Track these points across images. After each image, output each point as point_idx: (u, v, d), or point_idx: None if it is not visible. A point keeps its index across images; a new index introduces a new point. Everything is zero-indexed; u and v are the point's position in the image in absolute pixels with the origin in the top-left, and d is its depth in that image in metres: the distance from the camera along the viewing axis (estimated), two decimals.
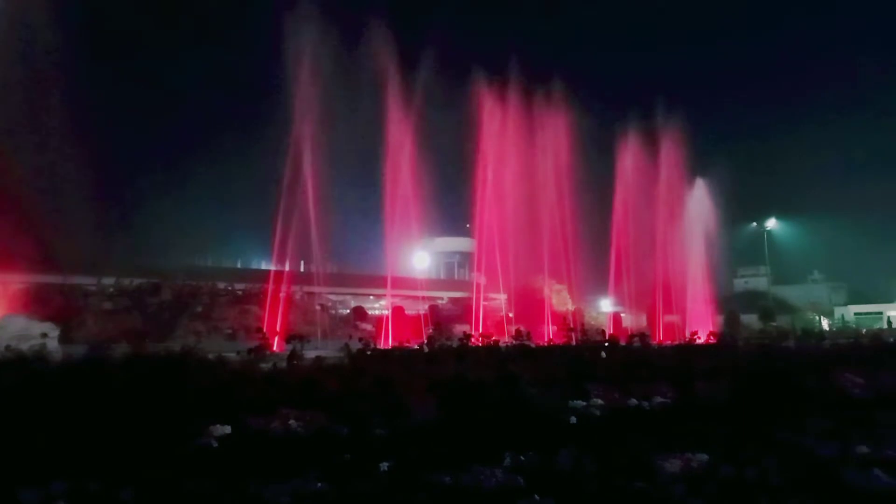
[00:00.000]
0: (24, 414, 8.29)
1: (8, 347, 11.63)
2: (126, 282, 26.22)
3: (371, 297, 38.22)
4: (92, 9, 33.17)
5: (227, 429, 8.44)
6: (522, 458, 7.11)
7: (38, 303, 20.17)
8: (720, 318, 41.30)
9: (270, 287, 27.62)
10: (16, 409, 8.43)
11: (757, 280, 68.67)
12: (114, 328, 19.18)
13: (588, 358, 17.40)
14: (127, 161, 44.57)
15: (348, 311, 36.85)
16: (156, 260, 24.71)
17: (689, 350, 21.58)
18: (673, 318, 41.40)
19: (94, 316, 23.89)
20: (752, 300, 57.62)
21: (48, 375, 10.25)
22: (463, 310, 28.23)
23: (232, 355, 13.72)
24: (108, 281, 25.88)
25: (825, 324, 55.89)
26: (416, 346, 19.95)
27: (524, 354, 17.78)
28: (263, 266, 36.01)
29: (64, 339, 15.10)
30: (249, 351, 15.05)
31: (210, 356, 12.71)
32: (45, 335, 12.55)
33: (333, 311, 33.32)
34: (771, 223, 66.54)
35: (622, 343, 22.07)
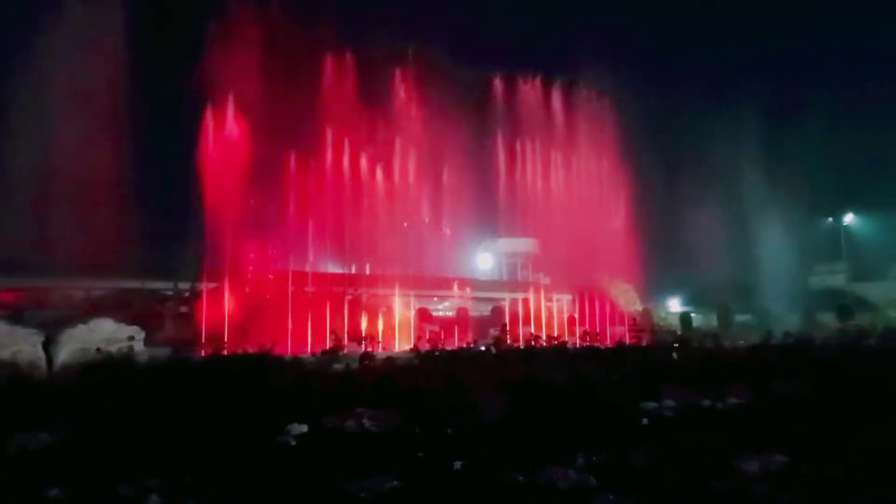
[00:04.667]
0: (115, 413, 8.79)
1: (98, 350, 12.24)
2: (200, 286, 26.99)
3: (435, 298, 38.48)
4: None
5: (304, 428, 8.74)
6: (595, 458, 7.10)
7: (121, 307, 21.04)
8: (796, 317, 39.88)
9: (337, 290, 28.12)
10: (108, 408, 8.94)
11: (834, 277, 65.76)
12: (191, 331, 19.87)
13: (658, 358, 17.17)
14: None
15: (413, 312, 37.10)
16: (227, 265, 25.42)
17: (763, 349, 20.98)
18: (746, 317, 40.26)
19: (172, 320, 24.70)
20: (830, 298, 55.32)
21: (137, 376, 10.79)
22: (527, 311, 28.16)
23: (306, 356, 14.15)
24: (184, 286, 26.73)
25: None
26: (483, 348, 20.06)
27: (592, 355, 17.66)
28: (330, 269, 36.68)
29: (146, 341, 15.74)
30: (322, 352, 15.45)
31: (286, 357, 13.14)
32: (131, 338, 13.12)
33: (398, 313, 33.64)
34: (848, 218, 63.80)
35: (693, 343, 21.66)
